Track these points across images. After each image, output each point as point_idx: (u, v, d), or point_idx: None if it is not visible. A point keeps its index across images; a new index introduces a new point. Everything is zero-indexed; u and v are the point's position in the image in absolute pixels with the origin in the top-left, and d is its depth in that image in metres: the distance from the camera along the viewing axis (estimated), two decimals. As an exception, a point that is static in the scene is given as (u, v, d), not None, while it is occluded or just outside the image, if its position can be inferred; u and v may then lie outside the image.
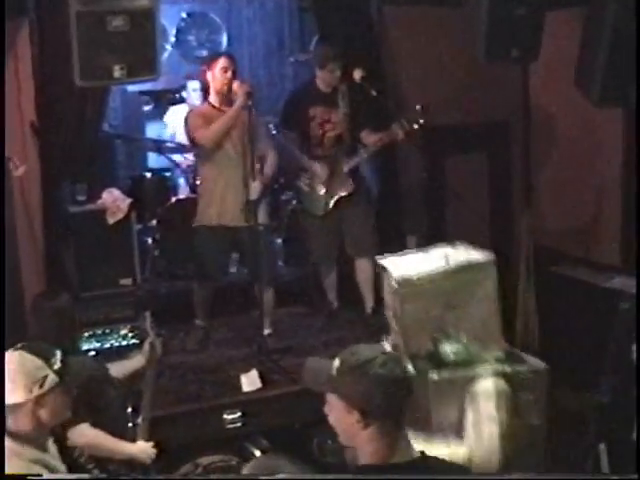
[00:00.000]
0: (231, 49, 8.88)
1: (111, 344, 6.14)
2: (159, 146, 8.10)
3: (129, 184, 7.64)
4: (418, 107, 6.10)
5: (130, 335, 6.27)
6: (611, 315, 5.64)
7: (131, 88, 8.56)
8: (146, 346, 4.75)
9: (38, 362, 3.11)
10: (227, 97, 6.09)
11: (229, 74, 6.05)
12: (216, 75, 6.09)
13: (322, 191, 6.55)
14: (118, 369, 4.76)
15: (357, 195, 6.63)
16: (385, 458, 2.59)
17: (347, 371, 2.60)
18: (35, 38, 5.85)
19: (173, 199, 7.51)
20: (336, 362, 2.65)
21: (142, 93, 8.97)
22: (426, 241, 7.18)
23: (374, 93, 6.13)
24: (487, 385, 3.80)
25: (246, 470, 2.82)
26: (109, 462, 4.19)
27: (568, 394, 6.55)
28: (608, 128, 6.58)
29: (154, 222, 7.33)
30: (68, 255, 6.54)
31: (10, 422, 3.08)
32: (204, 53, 9.31)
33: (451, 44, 6.87)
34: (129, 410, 4.62)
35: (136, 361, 4.83)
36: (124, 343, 6.24)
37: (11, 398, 3.06)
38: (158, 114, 9.05)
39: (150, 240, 7.30)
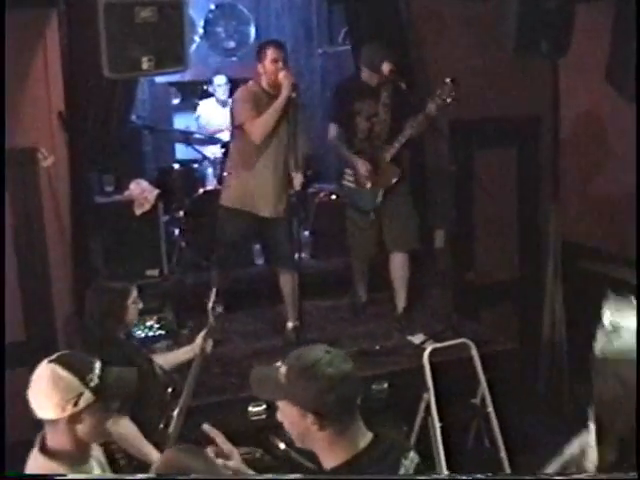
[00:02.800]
0: (259, 41, 8.87)
1: (137, 335, 6.13)
2: (187, 137, 8.12)
3: (156, 175, 7.68)
4: (448, 80, 5.98)
5: (156, 326, 6.26)
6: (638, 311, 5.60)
7: (159, 79, 8.58)
8: (198, 340, 4.71)
9: (73, 380, 2.94)
10: (279, 83, 5.97)
11: (280, 64, 5.95)
12: (267, 67, 5.99)
13: (369, 185, 6.42)
14: (164, 360, 4.81)
15: (400, 186, 6.52)
16: (345, 455, 2.61)
17: (296, 376, 2.61)
18: (64, 29, 5.85)
19: (200, 190, 7.53)
20: (282, 369, 2.65)
21: (170, 84, 9.00)
22: (454, 235, 7.20)
23: (404, 86, 6.08)
24: None
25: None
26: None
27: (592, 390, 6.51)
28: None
29: (181, 213, 7.36)
30: (95, 246, 6.57)
31: (48, 438, 2.97)
32: (232, 45, 9.34)
33: (480, 37, 6.82)
34: (168, 396, 4.62)
35: (183, 353, 4.85)
36: (150, 334, 6.24)
37: (44, 413, 2.92)
38: (186, 106, 9.09)
39: (177, 231, 7.33)
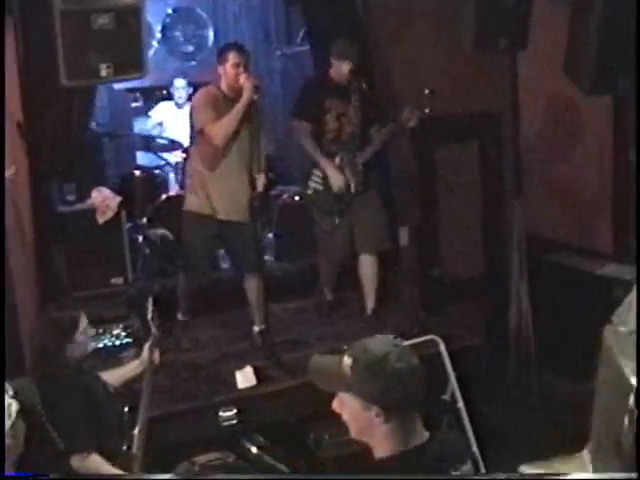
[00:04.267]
0: (217, 44, 8.86)
1: (104, 344, 6.07)
2: (148, 143, 8.06)
3: (118, 182, 7.62)
4: (427, 91, 6.03)
5: (123, 334, 6.21)
6: (604, 302, 5.65)
7: (118, 86, 8.51)
8: (145, 353, 4.62)
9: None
10: (239, 87, 5.93)
11: (241, 69, 5.91)
12: (228, 71, 5.95)
13: (338, 189, 6.37)
14: (114, 377, 4.64)
15: (369, 190, 6.52)
16: (399, 448, 2.58)
17: (363, 369, 2.55)
18: (20, 38, 5.79)
19: (163, 196, 7.47)
20: (347, 360, 2.58)
21: (129, 90, 8.94)
22: (419, 233, 7.22)
23: (364, 87, 6.08)
24: None
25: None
26: None
27: (561, 382, 6.57)
28: (599, 116, 6.57)
29: (144, 220, 7.30)
30: (58, 255, 6.52)
31: None
32: (190, 49, 9.32)
33: (439, 34, 6.84)
34: (125, 416, 4.47)
35: (133, 368, 4.72)
36: (117, 343, 6.18)
37: None
38: (145, 111, 9.03)
39: (141, 238, 7.27)
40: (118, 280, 6.83)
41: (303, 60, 7.93)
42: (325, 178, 6.37)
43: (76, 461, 4.11)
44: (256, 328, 6.25)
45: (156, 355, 4.62)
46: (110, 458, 4.17)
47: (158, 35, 9.13)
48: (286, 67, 9.11)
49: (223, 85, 6.04)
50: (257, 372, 5.71)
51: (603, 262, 6.61)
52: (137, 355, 5.04)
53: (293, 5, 8.50)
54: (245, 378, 5.68)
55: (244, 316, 6.45)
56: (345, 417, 2.63)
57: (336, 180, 6.33)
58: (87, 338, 4.39)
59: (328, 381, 2.68)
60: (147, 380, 4.46)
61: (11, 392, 2.93)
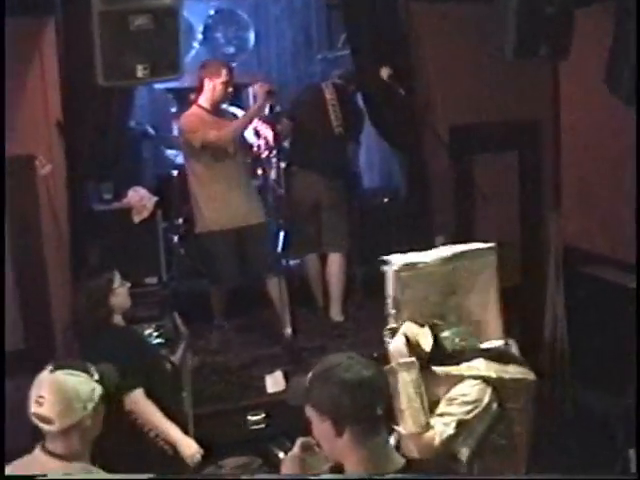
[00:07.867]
0: (258, 46, 8.91)
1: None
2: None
3: (155, 182, 7.63)
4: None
5: (155, 334, 6.22)
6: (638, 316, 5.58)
7: (158, 85, 8.53)
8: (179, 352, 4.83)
9: (82, 377, 3.13)
10: (220, 105, 6.33)
11: (230, 89, 6.24)
12: (217, 88, 6.20)
13: None
14: None
15: None
16: (369, 467, 2.60)
17: (315, 380, 2.69)
18: (61, 37, 5.84)
19: (199, 197, 7.46)
20: (309, 374, 2.73)
21: (168, 91, 8.95)
22: (454, 241, 7.15)
23: (402, 92, 6.06)
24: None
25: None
26: None
27: (595, 396, 6.48)
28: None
29: (180, 220, 7.32)
30: (94, 254, 6.54)
31: (59, 445, 3.08)
32: (232, 50, 9.28)
33: (480, 41, 6.78)
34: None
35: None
36: (149, 343, 6.20)
37: (66, 421, 3.05)
38: (184, 112, 9.03)
39: (176, 238, 7.29)
40: (152, 280, 6.83)
41: (344, 65, 7.90)
42: None
43: (126, 400, 4.20)
44: (287, 331, 6.24)
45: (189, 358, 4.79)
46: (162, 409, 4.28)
47: (199, 36, 9.13)
48: (326, 71, 9.07)
49: (203, 100, 6.18)
50: (287, 377, 5.69)
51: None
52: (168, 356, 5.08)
53: (335, 9, 8.50)
54: (275, 382, 5.67)
55: (275, 319, 6.44)
56: (314, 434, 2.74)
57: None
58: (125, 290, 4.62)
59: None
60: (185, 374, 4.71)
61: (96, 376, 3.17)
